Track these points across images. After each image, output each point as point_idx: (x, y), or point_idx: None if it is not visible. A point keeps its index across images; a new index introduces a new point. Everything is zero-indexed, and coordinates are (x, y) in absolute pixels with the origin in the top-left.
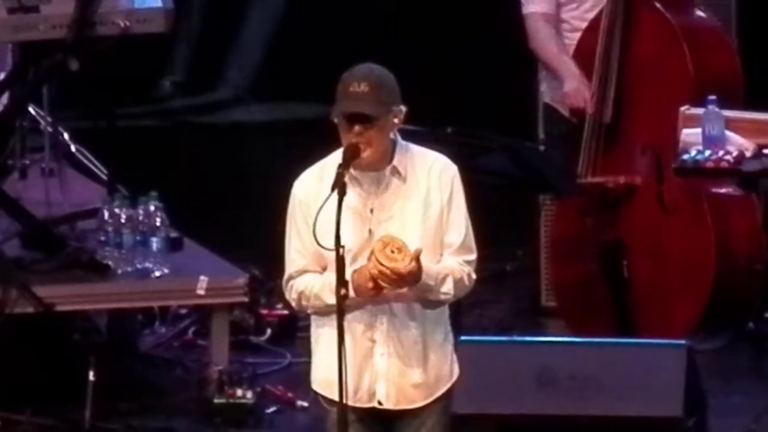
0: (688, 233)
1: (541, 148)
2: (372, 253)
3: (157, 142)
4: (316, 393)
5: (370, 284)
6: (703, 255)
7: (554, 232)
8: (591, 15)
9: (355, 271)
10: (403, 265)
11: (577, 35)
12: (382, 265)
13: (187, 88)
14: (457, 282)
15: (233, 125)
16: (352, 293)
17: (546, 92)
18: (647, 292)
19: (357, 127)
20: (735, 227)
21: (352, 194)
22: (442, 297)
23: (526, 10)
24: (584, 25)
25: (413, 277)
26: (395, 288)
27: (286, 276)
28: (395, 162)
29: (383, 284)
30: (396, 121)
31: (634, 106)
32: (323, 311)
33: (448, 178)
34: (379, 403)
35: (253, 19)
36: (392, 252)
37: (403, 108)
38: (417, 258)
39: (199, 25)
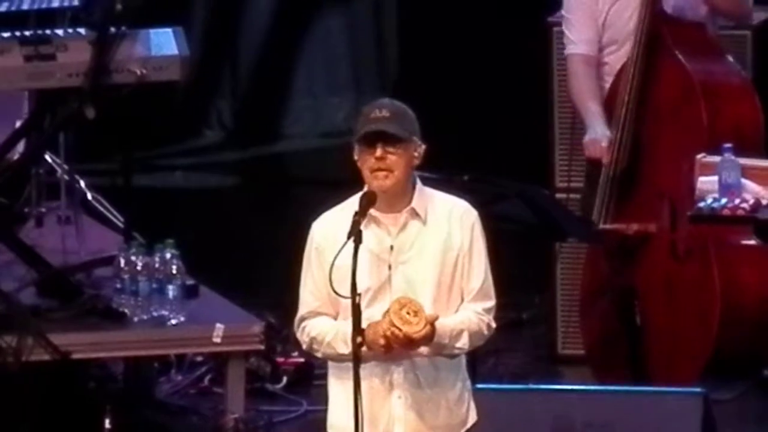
0: (696, 281)
1: (562, 196)
2: (387, 312)
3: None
4: None
5: (382, 341)
6: (709, 303)
7: (584, 280)
8: None
9: (369, 326)
10: (416, 330)
11: None
12: (395, 327)
13: (236, 140)
14: (474, 335)
15: (242, 169)
16: (364, 348)
17: None
18: (658, 339)
19: (379, 149)
20: (743, 277)
21: (370, 235)
22: (456, 352)
23: (567, 51)
24: None
25: (425, 342)
26: (406, 350)
27: (298, 316)
28: (414, 204)
29: (395, 345)
30: (416, 154)
31: (650, 154)
32: (335, 359)
33: (469, 223)
34: None
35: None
36: (408, 314)
37: (423, 145)
38: (432, 323)
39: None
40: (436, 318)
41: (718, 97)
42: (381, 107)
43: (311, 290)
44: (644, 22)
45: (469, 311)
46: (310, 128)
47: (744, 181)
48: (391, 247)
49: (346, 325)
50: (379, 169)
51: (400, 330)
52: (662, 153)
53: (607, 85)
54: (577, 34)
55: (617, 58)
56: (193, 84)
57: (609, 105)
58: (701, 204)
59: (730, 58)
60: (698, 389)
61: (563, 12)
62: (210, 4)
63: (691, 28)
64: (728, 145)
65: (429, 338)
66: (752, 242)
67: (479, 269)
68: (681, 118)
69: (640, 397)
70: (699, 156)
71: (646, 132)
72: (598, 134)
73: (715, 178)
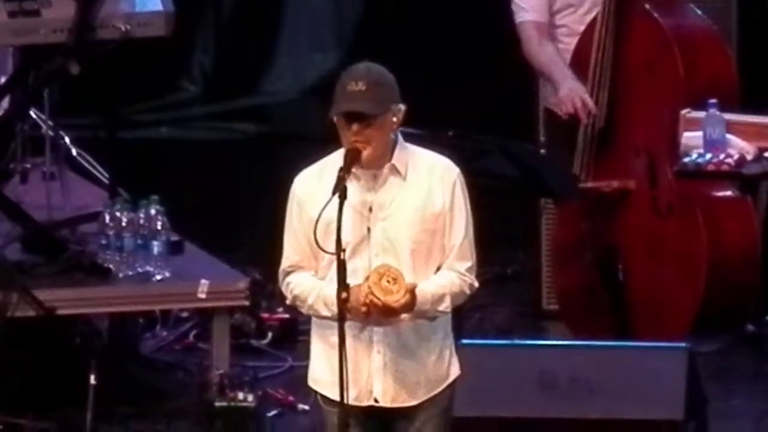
0: (681, 236)
1: (542, 151)
2: (366, 280)
3: (158, 146)
4: (314, 391)
5: (363, 309)
6: (696, 257)
7: (556, 236)
8: (589, 17)
9: (351, 290)
10: (396, 299)
11: (575, 39)
12: (375, 296)
13: (206, 97)
14: (455, 296)
15: (228, 128)
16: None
17: (545, 96)
18: (643, 295)
19: (355, 126)
20: (728, 229)
21: (351, 191)
22: (439, 314)
23: (519, 18)
24: (582, 28)
25: (405, 310)
26: (386, 319)
27: (281, 269)
28: (394, 160)
29: (375, 314)
30: (395, 120)
31: (627, 110)
32: (318, 318)
33: (451, 180)
34: (376, 400)
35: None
36: (387, 282)
37: (402, 107)
38: (411, 291)
39: (223, 34)
40: (416, 286)
41: (693, 50)
42: (358, 78)
43: (292, 245)
44: None
45: (450, 272)
46: (292, 84)
47: (729, 136)
48: (372, 203)
49: (327, 288)
50: (357, 142)
51: (379, 299)
52: (639, 109)
53: (565, 46)
54: (527, 2)
55: (576, 18)
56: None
57: (574, 65)
58: (686, 159)
59: (698, 11)
60: (682, 344)
61: None
62: None
63: None
64: (713, 100)
65: (409, 307)
66: (736, 195)
67: (459, 226)
68: (656, 73)
69: (625, 352)
70: (683, 111)
71: (621, 89)
72: (573, 88)
73: (700, 133)
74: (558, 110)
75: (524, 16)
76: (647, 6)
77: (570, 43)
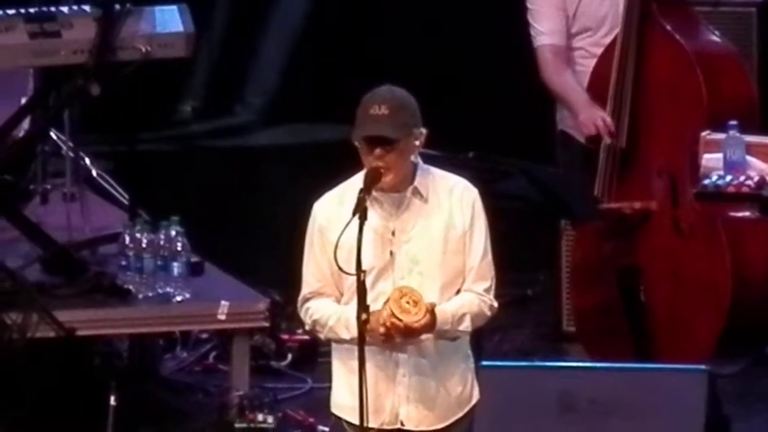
0: (704, 258)
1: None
2: (387, 302)
3: (177, 167)
4: (336, 417)
5: (382, 330)
6: (719, 279)
7: (574, 257)
8: (607, 41)
9: (371, 313)
10: (416, 320)
11: (592, 62)
12: (395, 317)
13: (205, 113)
14: (476, 316)
15: (252, 149)
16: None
17: (561, 119)
18: (664, 317)
19: (378, 151)
20: (751, 252)
21: (373, 215)
22: (460, 334)
23: (537, 42)
24: (599, 51)
25: (425, 331)
26: (407, 339)
27: (301, 296)
28: (416, 183)
29: (394, 335)
30: (417, 143)
31: (649, 132)
32: (338, 342)
33: (470, 201)
34: (402, 424)
35: (270, 43)
36: (408, 303)
37: (424, 130)
38: (431, 311)
39: (217, 50)
40: (434, 305)
41: (715, 71)
42: (380, 102)
43: (313, 271)
44: (634, 1)
45: (469, 293)
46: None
47: (749, 158)
48: (394, 227)
49: (349, 311)
50: (379, 166)
51: (399, 320)
52: (660, 130)
53: (583, 69)
54: (545, 25)
55: (593, 42)
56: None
57: (593, 87)
58: (706, 181)
59: (717, 33)
60: (702, 366)
61: (528, 4)
62: None
63: (678, 5)
64: (733, 122)
65: (429, 327)
66: (757, 217)
67: (478, 247)
68: (679, 94)
69: (645, 374)
70: (704, 133)
71: (642, 110)
72: (592, 110)
73: (720, 155)
74: (577, 133)
75: (542, 40)
76: (668, 27)
77: (587, 66)
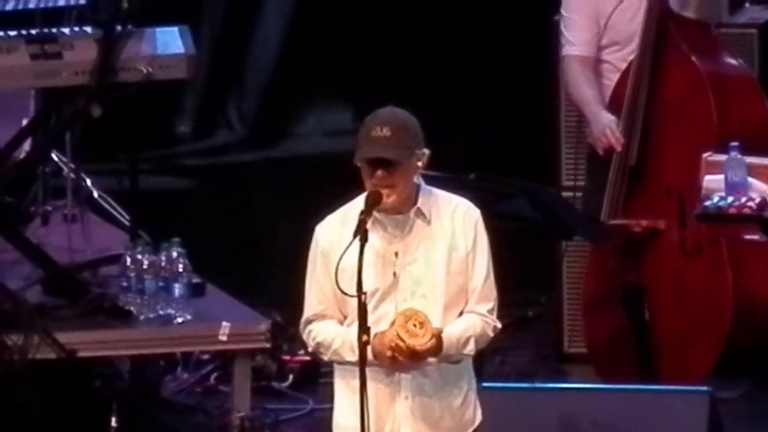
0: (707, 278)
1: (568, 194)
2: (393, 324)
3: (176, 188)
4: None
5: (389, 353)
6: (721, 300)
7: (587, 281)
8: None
9: (375, 336)
10: (422, 343)
11: (618, 76)
12: (400, 339)
13: (200, 132)
14: (479, 338)
15: (251, 166)
16: (370, 356)
17: (589, 134)
18: (667, 336)
19: (380, 172)
20: (754, 273)
21: (376, 237)
22: (464, 358)
23: (564, 52)
24: (625, 66)
25: (431, 354)
26: (412, 362)
27: (303, 319)
28: (419, 204)
29: (400, 358)
30: (419, 164)
31: (659, 150)
32: (342, 364)
33: (472, 222)
34: None
35: (256, 58)
36: (414, 326)
37: (426, 151)
38: (438, 336)
39: (204, 70)
40: (441, 330)
41: (727, 93)
42: (382, 124)
43: (316, 293)
44: (652, 19)
45: (473, 315)
46: (314, 128)
47: (750, 179)
48: (397, 248)
49: (353, 333)
50: (381, 188)
51: (405, 343)
52: (671, 149)
53: (609, 83)
54: (576, 35)
55: (620, 57)
56: (202, 84)
57: (613, 103)
58: (707, 203)
59: (734, 56)
60: (704, 388)
61: (562, 11)
62: (219, 5)
63: (697, 26)
64: (735, 143)
65: (435, 351)
66: (761, 239)
67: (481, 268)
68: (690, 115)
69: (646, 396)
70: (705, 154)
71: (654, 128)
72: (605, 123)
73: (722, 176)
74: (596, 146)
75: (569, 50)
76: (684, 47)
77: (613, 80)
